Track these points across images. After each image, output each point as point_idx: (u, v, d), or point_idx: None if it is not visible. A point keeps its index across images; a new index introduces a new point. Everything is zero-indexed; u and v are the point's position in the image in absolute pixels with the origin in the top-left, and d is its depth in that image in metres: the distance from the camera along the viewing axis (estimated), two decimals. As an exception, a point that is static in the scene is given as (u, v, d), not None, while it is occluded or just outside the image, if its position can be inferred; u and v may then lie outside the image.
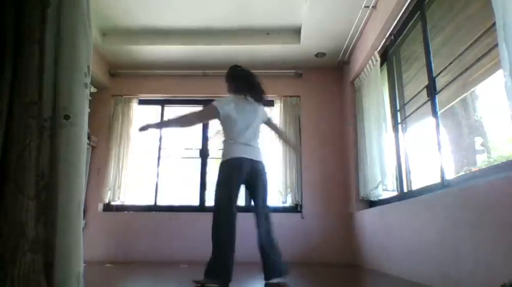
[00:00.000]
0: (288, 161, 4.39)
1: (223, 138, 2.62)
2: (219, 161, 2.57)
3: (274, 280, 2.41)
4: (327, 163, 4.46)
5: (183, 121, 2.72)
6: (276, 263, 2.44)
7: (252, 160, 2.50)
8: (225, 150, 2.54)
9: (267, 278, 2.43)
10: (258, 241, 2.48)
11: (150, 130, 2.65)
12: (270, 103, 4.75)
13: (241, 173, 2.46)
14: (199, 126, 4.75)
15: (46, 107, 1.37)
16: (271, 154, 4.50)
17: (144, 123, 2.65)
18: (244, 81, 2.72)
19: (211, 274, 2.32)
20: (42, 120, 1.34)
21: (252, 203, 2.60)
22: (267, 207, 2.58)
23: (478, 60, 2.13)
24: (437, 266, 2.26)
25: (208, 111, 2.63)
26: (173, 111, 4.93)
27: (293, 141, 3.03)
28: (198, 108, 2.74)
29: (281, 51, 4.40)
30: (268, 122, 2.82)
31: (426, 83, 2.69)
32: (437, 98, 2.57)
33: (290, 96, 4.68)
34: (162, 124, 2.93)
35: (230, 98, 2.66)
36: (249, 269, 3.24)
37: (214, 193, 2.47)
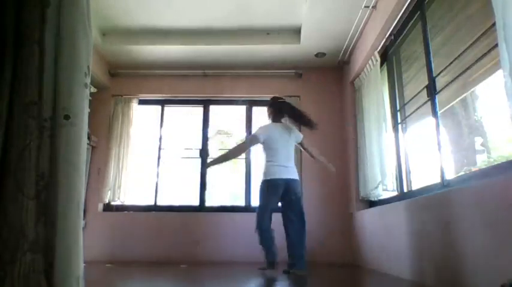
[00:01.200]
0: (288, 161, 4.39)
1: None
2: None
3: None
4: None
5: (231, 155, 3.39)
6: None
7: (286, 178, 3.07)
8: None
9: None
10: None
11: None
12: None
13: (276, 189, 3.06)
14: (199, 126, 4.76)
15: (46, 107, 1.37)
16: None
17: (208, 162, 3.51)
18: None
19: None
20: (42, 120, 1.34)
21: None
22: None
23: (478, 60, 2.13)
24: (437, 266, 2.26)
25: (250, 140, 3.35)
26: (173, 112, 4.95)
27: (324, 160, 3.42)
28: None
29: (281, 51, 4.40)
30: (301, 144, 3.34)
31: (426, 83, 2.69)
32: (437, 98, 2.57)
33: (290, 96, 4.68)
34: (216, 161, 3.39)
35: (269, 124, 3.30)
36: (247, 269, 3.25)
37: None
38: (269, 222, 3.06)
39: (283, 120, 3.33)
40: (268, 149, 3.15)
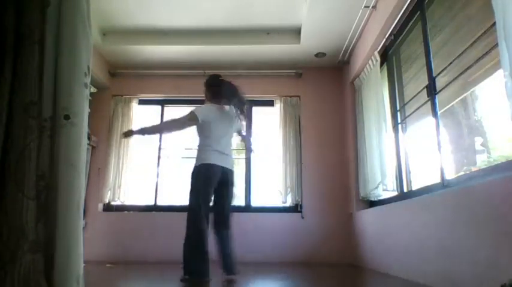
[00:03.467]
0: (288, 161, 4.39)
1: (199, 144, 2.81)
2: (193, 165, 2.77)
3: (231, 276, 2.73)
4: (327, 163, 4.46)
5: (163, 128, 3.07)
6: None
7: (224, 167, 2.71)
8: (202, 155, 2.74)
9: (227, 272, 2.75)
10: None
11: (135, 136, 2.86)
12: (270, 103, 4.76)
13: (215, 178, 2.67)
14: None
15: (46, 107, 1.37)
16: (271, 154, 4.51)
17: (127, 130, 2.90)
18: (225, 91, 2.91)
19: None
20: (42, 120, 1.35)
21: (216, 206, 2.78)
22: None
23: (478, 60, 2.13)
24: (437, 266, 2.26)
25: (188, 118, 2.77)
26: (173, 112, 4.94)
27: (249, 145, 3.12)
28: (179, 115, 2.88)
29: (281, 51, 4.40)
30: (240, 133, 3.08)
31: (426, 83, 2.69)
32: (437, 98, 2.57)
33: (290, 96, 4.69)
34: (144, 130, 2.83)
35: (209, 106, 2.89)
36: (245, 269, 3.25)
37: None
38: (207, 221, 2.61)
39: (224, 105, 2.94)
40: (207, 131, 2.73)
